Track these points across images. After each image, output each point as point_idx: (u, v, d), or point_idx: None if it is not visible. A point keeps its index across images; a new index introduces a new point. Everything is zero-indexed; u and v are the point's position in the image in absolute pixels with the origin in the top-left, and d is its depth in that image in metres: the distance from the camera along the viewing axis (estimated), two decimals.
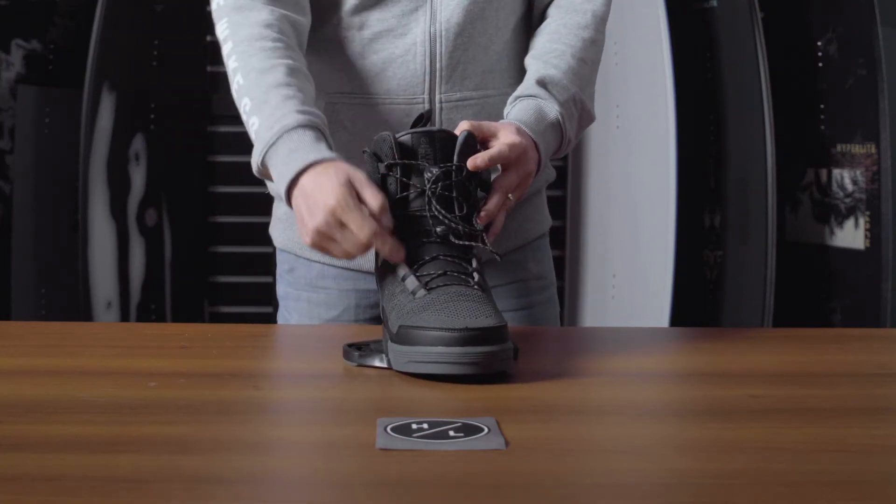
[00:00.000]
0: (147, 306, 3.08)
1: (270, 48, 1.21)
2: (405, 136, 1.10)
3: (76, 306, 2.86)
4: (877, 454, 0.79)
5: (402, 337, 1.01)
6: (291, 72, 1.20)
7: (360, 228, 1.07)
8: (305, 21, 1.29)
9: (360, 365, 1.06)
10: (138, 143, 3.03)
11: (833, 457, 0.77)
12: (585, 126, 1.35)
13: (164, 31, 3.11)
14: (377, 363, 1.05)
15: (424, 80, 1.30)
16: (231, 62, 1.22)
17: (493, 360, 0.99)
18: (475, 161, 1.11)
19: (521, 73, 1.35)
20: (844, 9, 2.59)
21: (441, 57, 1.30)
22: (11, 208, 2.87)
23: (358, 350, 1.08)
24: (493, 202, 1.14)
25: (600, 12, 1.35)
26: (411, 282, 1.06)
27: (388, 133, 1.11)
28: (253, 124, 1.18)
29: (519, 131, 1.20)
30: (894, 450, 0.80)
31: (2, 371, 1.04)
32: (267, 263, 3.33)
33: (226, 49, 1.23)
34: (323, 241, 1.10)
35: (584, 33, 1.33)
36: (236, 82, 1.21)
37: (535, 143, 1.22)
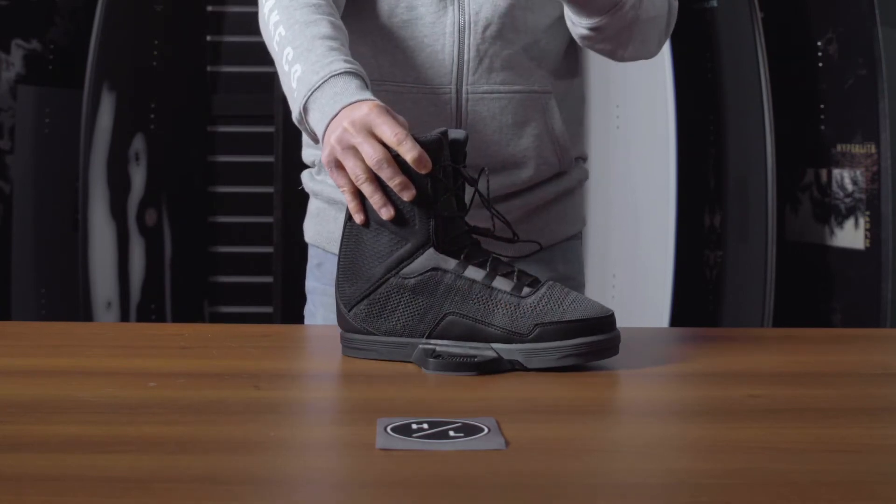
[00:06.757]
0: (147, 306, 3.08)
1: (315, 5, 1.25)
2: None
3: (76, 306, 2.86)
4: (877, 454, 0.78)
5: (544, 335, 1.04)
6: (335, 28, 1.24)
7: (391, 130, 1.07)
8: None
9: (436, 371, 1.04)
10: (138, 143, 3.03)
11: (833, 457, 0.77)
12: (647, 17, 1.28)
13: (164, 31, 3.11)
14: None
15: (452, 71, 1.32)
16: (273, 16, 1.26)
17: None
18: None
19: (556, 72, 1.35)
20: (844, 9, 2.59)
21: (469, 48, 1.31)
22: (11, 208, 2.87)
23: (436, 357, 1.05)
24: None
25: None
26: (502, 282, 1.06)
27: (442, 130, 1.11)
28: (296, 71, 1.21)
29: None
30: (894, 450, 0.80)
31: (2, 371, 1.04)
32: (267, 263, 3.33)
33: (268, 4, 1.26)
34: (339, 152, 1.10)
35: None
36: (278, 34, 1.24)
37: None
